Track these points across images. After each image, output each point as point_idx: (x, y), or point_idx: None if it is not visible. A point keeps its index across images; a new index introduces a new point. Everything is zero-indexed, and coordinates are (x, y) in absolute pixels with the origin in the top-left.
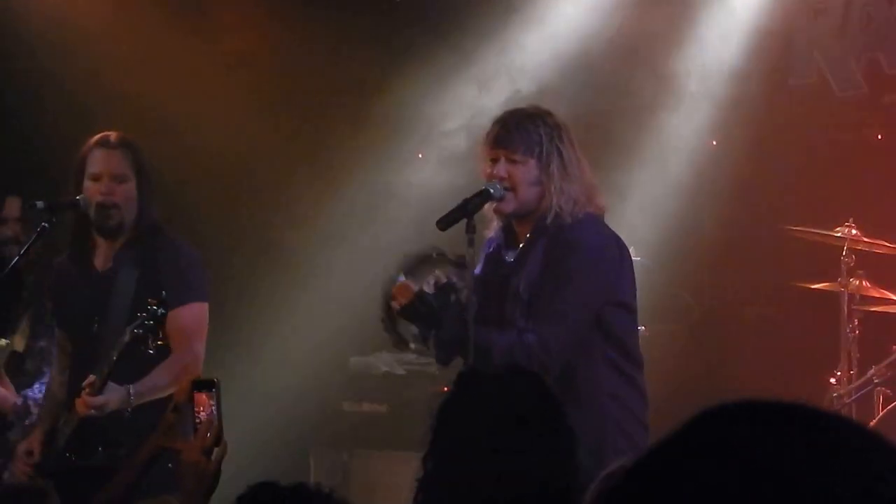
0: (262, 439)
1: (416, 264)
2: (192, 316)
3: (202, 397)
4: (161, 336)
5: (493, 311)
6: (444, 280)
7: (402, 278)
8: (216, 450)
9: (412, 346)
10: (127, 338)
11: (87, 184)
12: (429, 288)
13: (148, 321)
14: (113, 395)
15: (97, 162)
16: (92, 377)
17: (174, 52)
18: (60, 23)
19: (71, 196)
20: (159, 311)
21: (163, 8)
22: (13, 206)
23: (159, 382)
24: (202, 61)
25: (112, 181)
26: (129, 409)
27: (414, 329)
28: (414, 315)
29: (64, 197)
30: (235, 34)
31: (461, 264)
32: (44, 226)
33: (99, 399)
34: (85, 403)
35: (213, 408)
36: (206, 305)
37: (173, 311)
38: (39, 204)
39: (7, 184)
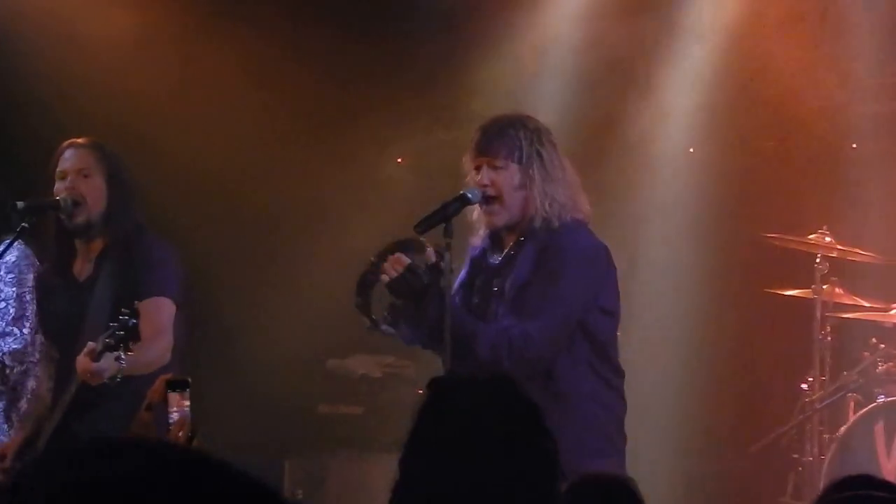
0: (238, 440)
1: (397, 249)
2: (157, 307)
3: (175, 397)
4: (131, 347)
5: (477, 309)
6: (433, 259)
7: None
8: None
9: (382, 327)
10: (100, 347)
11: (57, 184)
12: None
13: (119, 332)
14: (108, 364)
15: (64, 160)
16: (92, 344)
17: (171, 56)
18: (56, 26)
19: (52, 198)
20: (130, 321)
21: (165, 11)
22: None
23: (142, 359)
24: (201, 67)
25: (77, 176)
26: (118, 377)
27: (384, 311)
28: (403, 287)
29: (43, 199)
30: (232, 43)
31: (437, 262)
32: (23, 226)
33: (96, 365)
34: (85, 366)
35: (187, 407)
36: (170, 302)
37: (142, 302)
38: (20, 204)
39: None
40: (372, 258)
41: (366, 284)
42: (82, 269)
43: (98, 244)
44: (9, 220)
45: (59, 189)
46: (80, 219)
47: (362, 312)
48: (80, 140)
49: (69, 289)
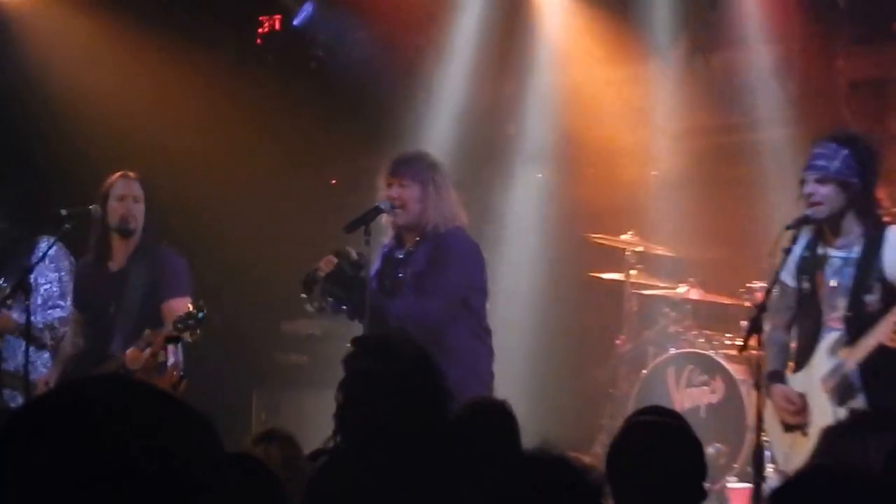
0: (218, 379)
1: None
2: (181, 304)
3: (171, 348)
4: (198, 332)
5: (388, 290)
6: (355, 258)
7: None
8: (180, 385)
9: (320, 306)
10: (170, 328)
11: (114, 203)
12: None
13: (190, 320)
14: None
15: (121, 188)
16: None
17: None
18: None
19: (84, 208)
20: (199, 314)
21: (165, 66)
22: None
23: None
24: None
25: (132, 201)
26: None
27: (324, 296)
28: (335, 280)
29: (80, 207)
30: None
31: (359, 259)
32: (66, 227)
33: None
34: (134, 356)
35: (179, 355)
36: (188, 298)
37: (169, 300)
38: (63, 211)
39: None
40: (315, 265)
41: (308, 282)
42: (116, 263)
43: (130, 245)
44: (55, 222)
45: (117, 208)
46: (131, 227)
47: (307, 301)
48: (129, 173)
49: (103, 276)
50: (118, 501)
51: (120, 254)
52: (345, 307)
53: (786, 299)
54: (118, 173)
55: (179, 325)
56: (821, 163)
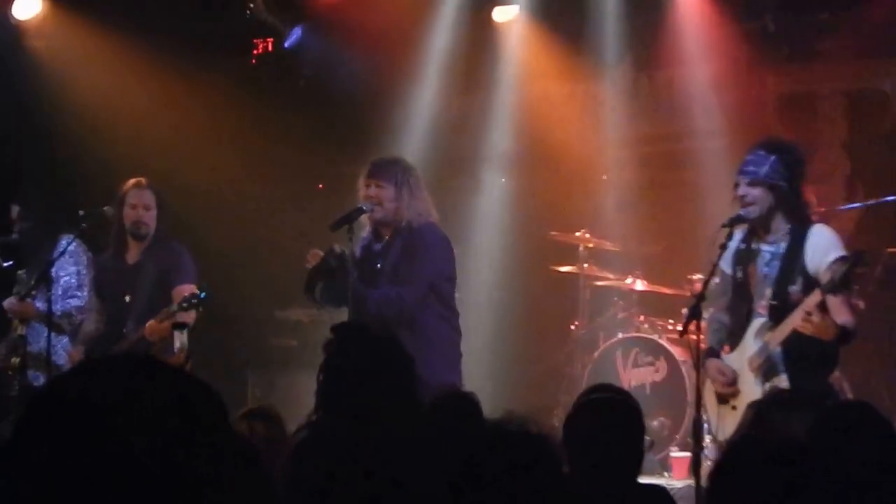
0: (218, 359)
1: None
2: (189, 290)
3: (178, 333)
4: (200, 311)
5: (367, 280)
6: (337, 251)
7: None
8: (186, 367)
9: (320, 303)
10: (175, 308)
11: (128, 210)
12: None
13: (193, 300)
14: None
15: (134, 196)
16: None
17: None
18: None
19: (99, 209)
20: (202, 294)
21: (174, 92)
22: (15, 211)
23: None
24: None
25: (143, 209)
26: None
27: (319, 294)
28: (319, 269)
29: (96, 209)
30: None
31: (342, 253)
32: (83, 227)
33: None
34: (153, 329)
35: (185, 339)
36: (193, 285)
37: (179, 286)
38: (81, 212)
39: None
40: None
41: (312, 278)
42: (132, 257)
43: (144, 243)
44: (74, 221)
45: (130, 214)
46: (143, 232)
47: (306, 292)
48: (143, 182)
49: (121, 269)
50: (121, 496)
51: (135, 250)
52: (331, 297)
53: (724, 285)
54: (132, 181)
55: (184, 304)
56: (751, 168)
